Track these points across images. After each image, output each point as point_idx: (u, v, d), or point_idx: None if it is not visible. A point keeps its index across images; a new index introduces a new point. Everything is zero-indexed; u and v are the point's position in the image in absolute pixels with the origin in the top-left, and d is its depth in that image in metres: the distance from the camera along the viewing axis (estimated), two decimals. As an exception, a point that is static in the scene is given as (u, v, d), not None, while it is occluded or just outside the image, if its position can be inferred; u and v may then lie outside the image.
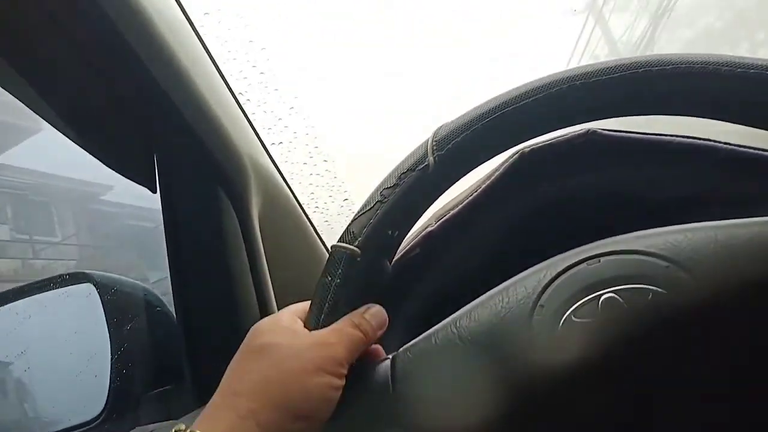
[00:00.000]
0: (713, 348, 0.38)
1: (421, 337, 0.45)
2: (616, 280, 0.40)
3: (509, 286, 0.43)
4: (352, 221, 0.46)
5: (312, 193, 1.33)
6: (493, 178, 0.66)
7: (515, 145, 0.48)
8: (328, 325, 0.45)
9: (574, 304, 0.40)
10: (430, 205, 0.49)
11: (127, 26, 0.56)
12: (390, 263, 0.49)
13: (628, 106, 0.44)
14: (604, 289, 0.39)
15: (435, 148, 0.45)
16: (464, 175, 0.48)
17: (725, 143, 0.65)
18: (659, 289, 0.38)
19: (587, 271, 0.41)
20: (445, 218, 0.67)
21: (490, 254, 0.71)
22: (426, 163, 0.45)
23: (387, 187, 0.46)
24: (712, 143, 0.65)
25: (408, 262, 0.69)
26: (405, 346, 0.45)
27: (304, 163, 1.33)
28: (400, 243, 0.49)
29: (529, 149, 0.65)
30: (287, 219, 1.02)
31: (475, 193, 0.67)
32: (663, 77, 0.41)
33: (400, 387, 0.43)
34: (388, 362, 0.45)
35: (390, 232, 0.46)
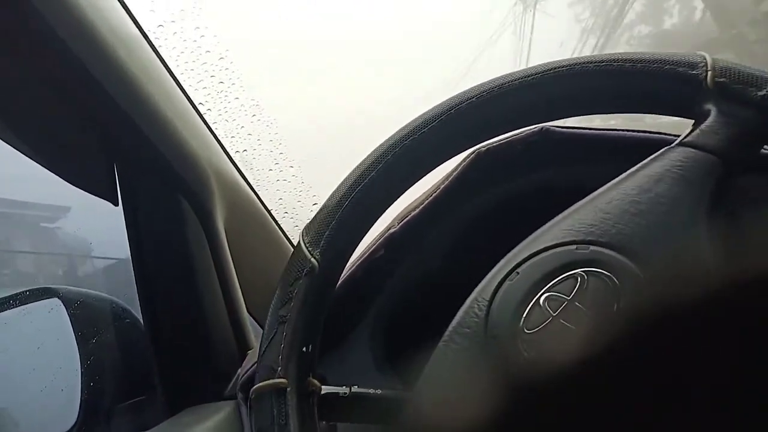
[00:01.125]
0: (655, 302, 0.39)
1: (398, 420, 0.44)
2: (542, 281, 0.41)
3: (452, 334, 0.43)
4: (261, 356, 0.45)
5: (280, 199, 1.33)
6: (450, 179, 0.68)
7: (387, 208, 0.50)
8: None
9: (521, 319, 0.40)
10: (330, 303, 0.48)
11: (78, 41, 0.56)
12: (313, 377, 0.47)
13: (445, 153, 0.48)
14: (538, 293, 0.40)
15: (310, 248, 0.45)
16: (352, 254, 0.49)
17: (676, 136, 0.67)
18: (581, 270, 0.40)
19: (513, 286, 0.42)
20: (406, 219, 0.68)
21: (451, 253, 0.72)
22: (309, 266, 0.45)
23: (282, 305, 0.45)
24: (664, 136, 0.67)
25: (373, 264, 0.69)
26: None
27: (270, 170, 1.33)
28: (317, 353, 0.47)
29: (485, 149, 0.67)
30: (254, 225, 1.02)
31: (435, 194, 0.68)
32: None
33: None
34: None
35: (304, 349, 0.45)
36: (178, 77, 0.75)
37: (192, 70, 0.94)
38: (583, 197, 0.68)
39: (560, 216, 0.44)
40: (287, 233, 1.15)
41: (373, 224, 0.48)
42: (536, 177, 0.70)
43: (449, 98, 0.46)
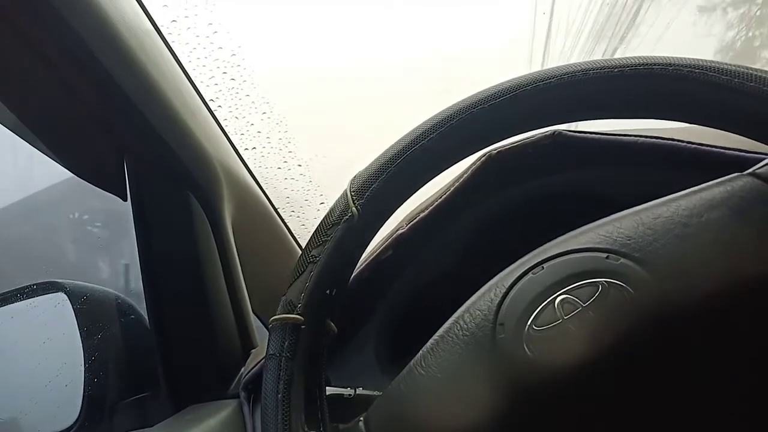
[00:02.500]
0: (668, 324, 0.39)
1: (388, 388, 0.44)
2: (564, 281, 0.40)
3: (463, 314, 0.43)
4: (288, 289, 0.45)
5: (288, 197, 1.33)
6: (461, 180, 0.67)
7: (434, 177, 0.49)
8: (287, 404, 0.43)
9: (532, 314, 0.40)
10: (361, 255, 0.48)
11: (91, 34, 0.56)
12: (332, 321, 0.48)
13: (523, 125, 0.46)
14: (556, 292, 0.40)
15: (355, 197, 0.45)
16: (389, 217, 0.48)
17: (688, 142, 0.66)
18: (605, 280, 0.39)
19: (534, 279, 0.42)
20: (415, 221, 0.68)
21: (460, 255, 0.72)
22: (350, 214, 0.45)
23: (316, 246, 0.45)
24: (675, 143, 0.66)
25: (380, 265, 0.69)
26: (374, 404, 0.44)
27: (278, 168, 1.33)
28: (340, 299, 0.48)
29: (496, 152, 0.66)
30: (262, 224, 1.02)
31: (444, 196, 0.68)
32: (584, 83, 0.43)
33: None
34: (361, 425, 0.43)
35: (328, 291, 0.46)
36: (189, 73, 0.75)
37: (204, 66, 0.94)
38: (594, 202, 0.68)
39: (601, 221, 0.43)
40: (294, 232, 1.15)
41: (420, 187, 0.48)
42: (547, 181, 0.70)
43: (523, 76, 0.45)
